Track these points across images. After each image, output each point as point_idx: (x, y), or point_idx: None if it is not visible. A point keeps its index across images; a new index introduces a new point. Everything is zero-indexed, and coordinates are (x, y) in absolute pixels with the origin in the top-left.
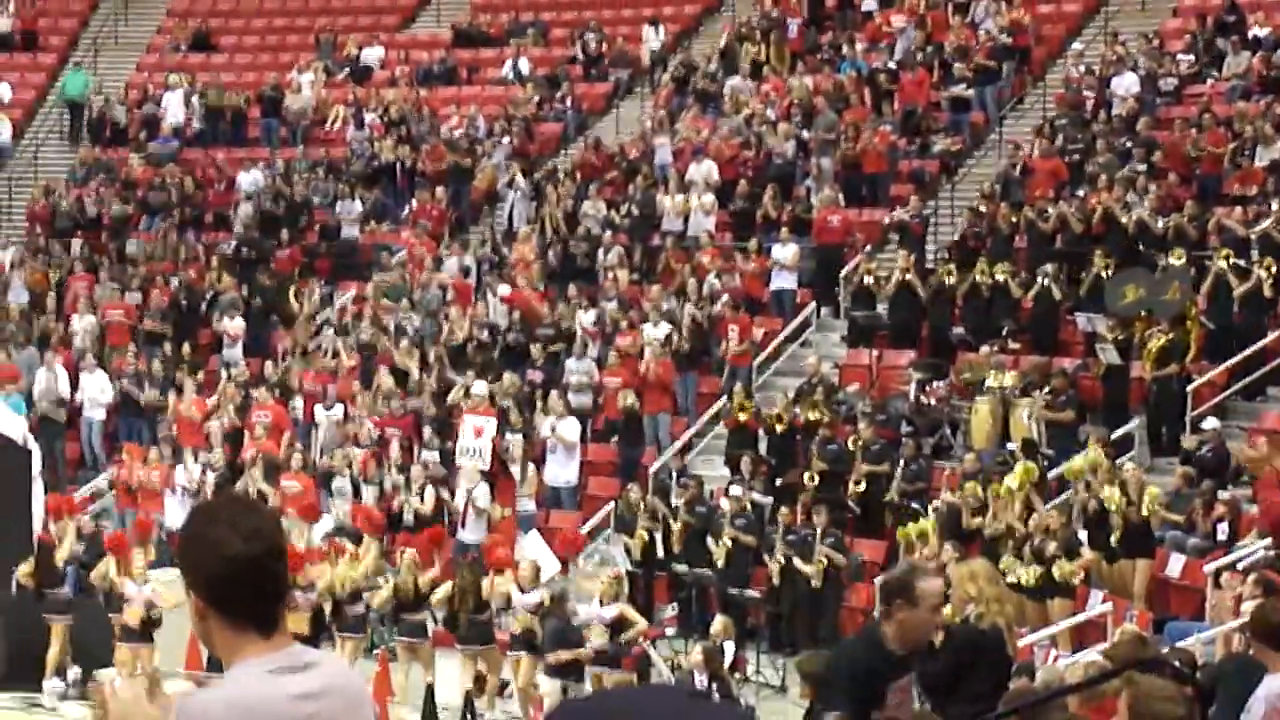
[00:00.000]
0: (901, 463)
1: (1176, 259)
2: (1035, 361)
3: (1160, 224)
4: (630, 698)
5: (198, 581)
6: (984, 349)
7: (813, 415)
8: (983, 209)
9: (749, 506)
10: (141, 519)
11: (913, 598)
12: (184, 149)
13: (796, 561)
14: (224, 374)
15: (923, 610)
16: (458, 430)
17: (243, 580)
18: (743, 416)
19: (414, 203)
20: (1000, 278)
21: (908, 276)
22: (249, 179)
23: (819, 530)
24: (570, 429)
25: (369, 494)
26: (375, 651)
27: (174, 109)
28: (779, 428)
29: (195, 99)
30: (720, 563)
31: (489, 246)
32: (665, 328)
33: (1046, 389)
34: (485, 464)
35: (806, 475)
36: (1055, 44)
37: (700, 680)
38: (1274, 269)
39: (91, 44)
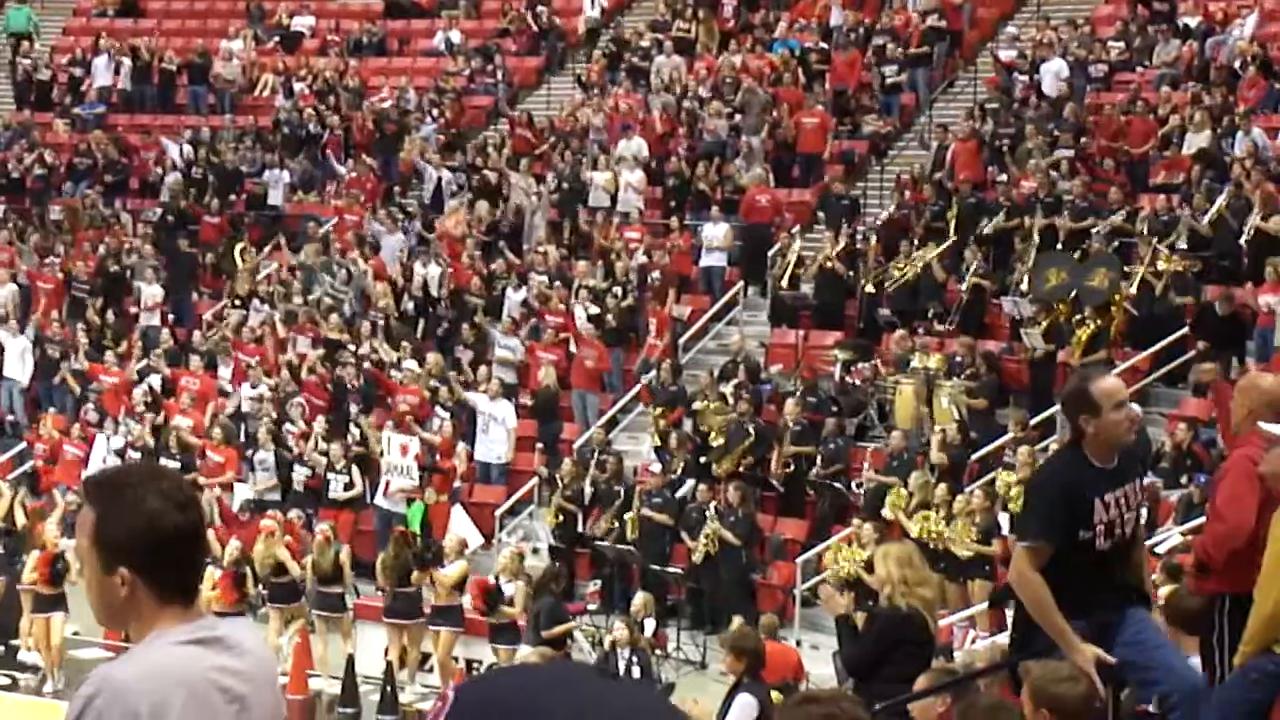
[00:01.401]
0: (821, 443)
1: (1101, 245)
2: (961, 344)
3: (1086, 209)
4: (534, 678)
5: (127, 552)
6: (899, 332)
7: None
8: (908, 193)
9: (667, 484)
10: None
11: (1094, 405)
12: (110, 114)
13: (684, 536)
14: (142, 343)
15: (1108, 413)
16: (386, 410)
17: (175, 550)
18: (662, 424)
19: (344, 172)
20: (926, 261)
21: (831, 263)
22: (176, 146)
23: (714, 507)
24: (505, 409)
25: (300, 474)
26: (296, 624)
27: (101, 73)
28: (704, 429)
29: (123, 64)
30: (634, 539)
31: (419, 220)
32: (591, 306)
33: (967, 372)
34: (414, 481)
35: (728, 457)
36: (987, 27)
37: (622, 655)
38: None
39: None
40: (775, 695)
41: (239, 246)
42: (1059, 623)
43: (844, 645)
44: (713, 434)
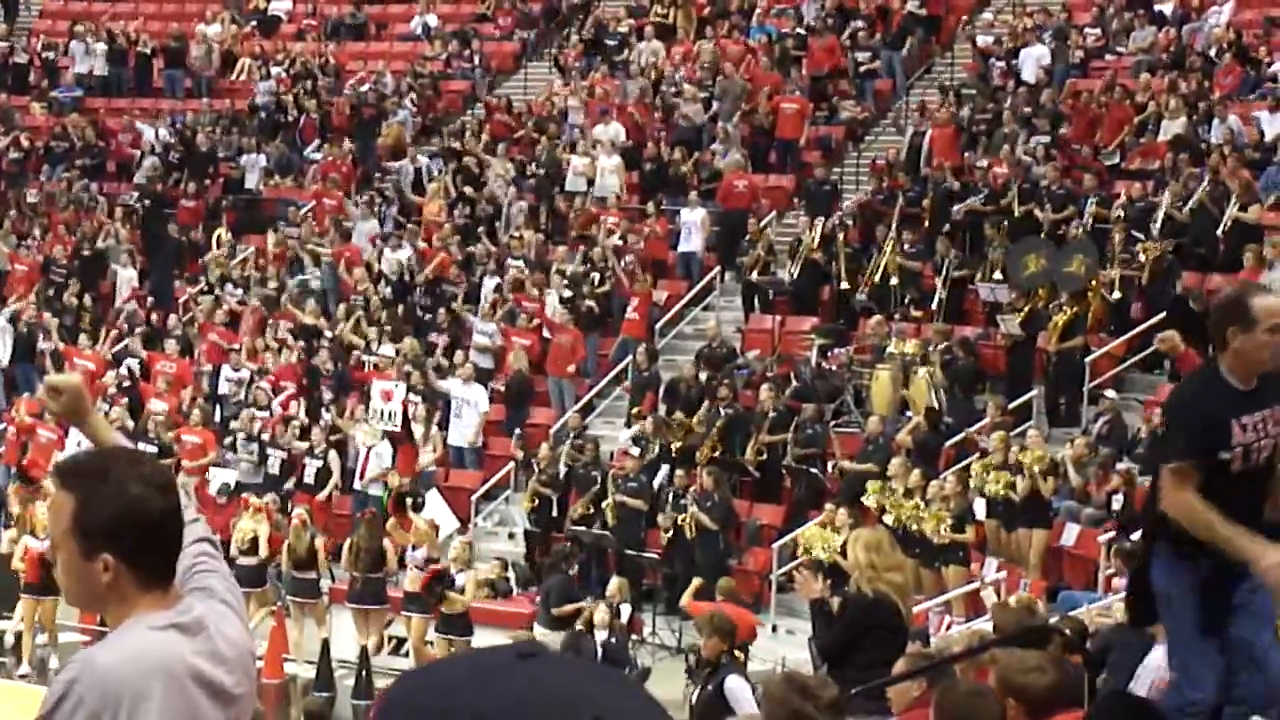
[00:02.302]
0: (796, 428)
1: (1077, 231)
2: (936, 330)
3: (1064, 196)
4: (461, 671)
5: (111, 538)
6: (875, 318)
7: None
8: (884, 178)
9: (643, 469)
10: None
11: (1248, 318)
12: (87, 98)
13: (660, 516)
14: (117, 327)
15: (1260, 332)
16: (366, 393)
17: (158, 535)
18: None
19: (320, 156)
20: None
21: (813, 253)
22: (152, 130)
23: (690, 493)
24: (478, 393)
25: (275, 459)
26: (271, 608)
27: (78, 57)
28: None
29: (99, 47)
30: (610, 524)
31: (396, 205)
32: (566, 291)
33: (944, 355)
34: (396, 426)
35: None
36: (964, 13)
37: (600, 638)
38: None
39: None
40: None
41: (216, 232)
42: (1226, 531)
43: (817, 631)
44: (675, 445)
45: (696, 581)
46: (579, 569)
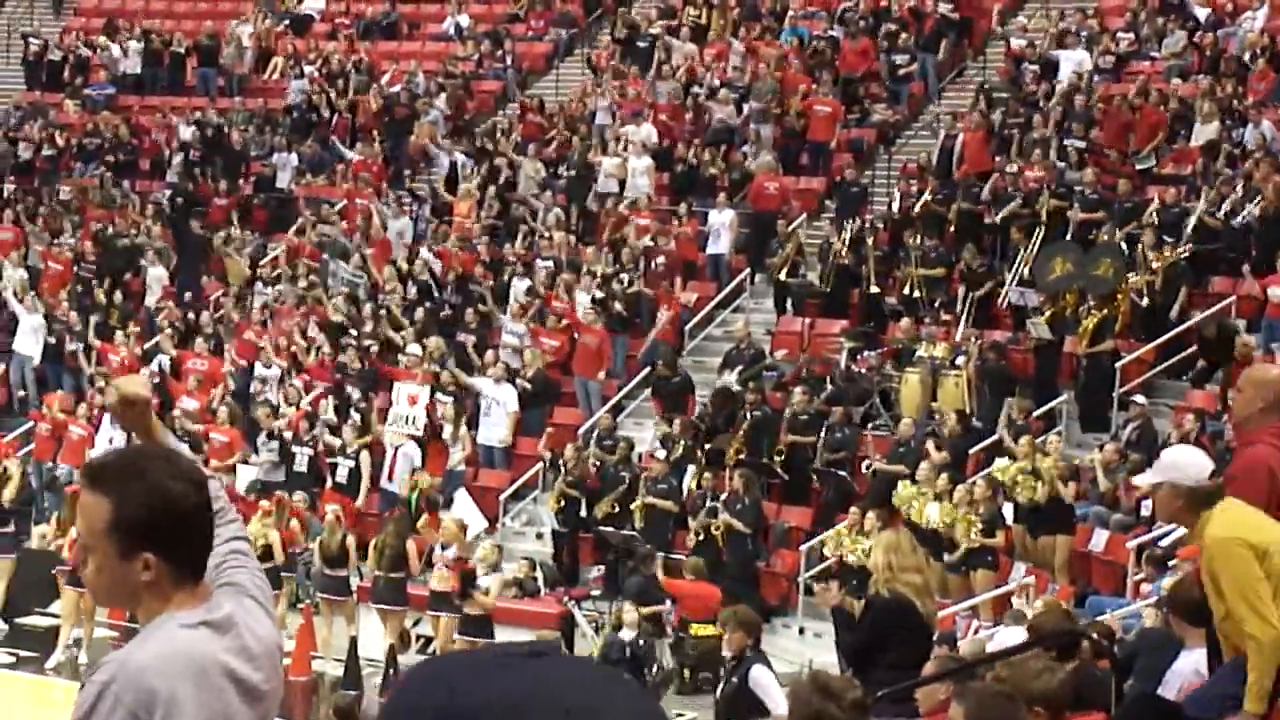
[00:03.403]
0: (825, 430)
1: (1108, 236)
2: (966, 333)
3: (1095, 200)
4: (474, 665)
5: (151, 536)
6: (905, 321)
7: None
8: (914, 181)
9: (670, 471)
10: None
11: None
12: (120, 95)
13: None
14: (150, 323)
15: None
16: (391, 396)
17: (196, 531)
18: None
19: (351, 156)
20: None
21: (842, 257)
22: (185, 129)
23: (723, 495)
24: (508, 393)
25: (302, 456)
26: (300, 606)
27: (113, 55)
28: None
29: (133, 46)
30: (638, 525)
31: (428, 205)
32: (597, 292)
33: (974, 358)
34: (419, 430)
35: (734, 444)
36: (997, 16)
37: (628, 637)
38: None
39: None
40: (695, 628)
41: (221, 235)
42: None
43: (840, 635)
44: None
45: (661, 556)
46: (606, 570)
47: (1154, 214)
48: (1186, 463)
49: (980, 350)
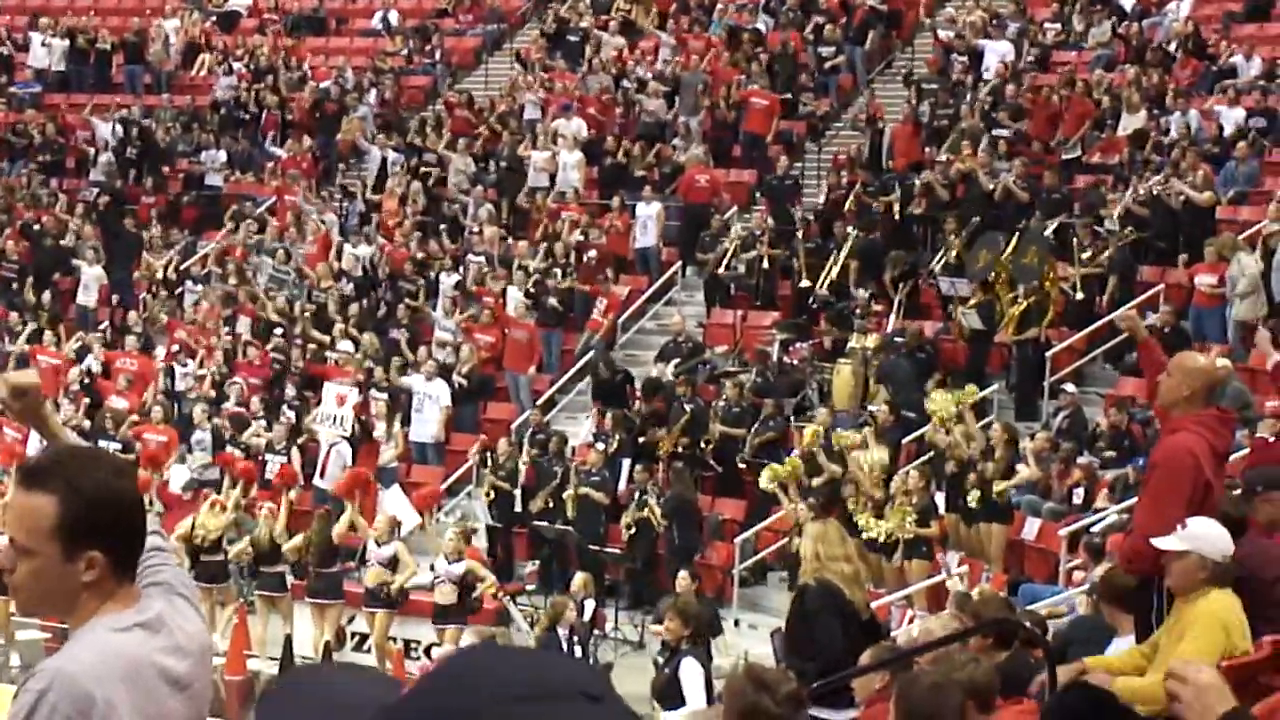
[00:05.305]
0: (756, 423)
1: (1034, 225)
2: (897, 324)
3: (1021, 190)
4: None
5: (99, 534)
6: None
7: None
8: (844, 174)
9: (604, 463)
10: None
11: None
12: (45, 94)
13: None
14: (84, 321)
15: None
16: (320, 395)
17: (138, 531)
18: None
19: (280, 153)
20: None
21: (771, 250)
22: (103, 126)
23: (650, 485)
24: (440, 389)
25: (235, 455)
26: (233, 604)
27: (37, 53)
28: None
29: (57, 42)
30: (570, 517)
31: (358, 199)
32: (530, 287)
33: (904, 349)
34: (346, 431)
35: (665, 435)
36: (925, 8)
37: (562, 634)
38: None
39: None
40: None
41: (147, 234)
42: None
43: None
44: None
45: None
46: (541, 564)
47: (1080, 204)
48: (1215, 536)
49: (910, 340)
